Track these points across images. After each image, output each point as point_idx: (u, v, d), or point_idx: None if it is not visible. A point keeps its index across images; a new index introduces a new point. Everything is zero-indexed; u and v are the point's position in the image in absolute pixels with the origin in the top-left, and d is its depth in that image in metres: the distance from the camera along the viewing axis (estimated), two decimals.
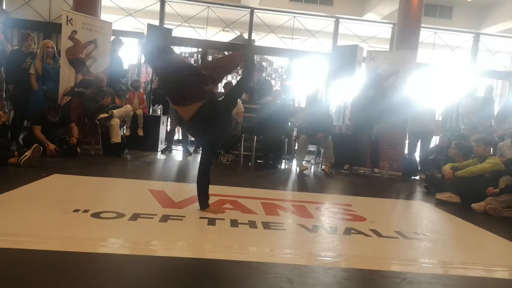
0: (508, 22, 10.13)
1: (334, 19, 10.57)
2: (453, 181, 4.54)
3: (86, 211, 2.86)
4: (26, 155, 4.44)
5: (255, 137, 6.38)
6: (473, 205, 4.19)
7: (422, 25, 8.41)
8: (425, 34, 10.20)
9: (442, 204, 4.38)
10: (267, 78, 8.85)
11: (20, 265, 1.95)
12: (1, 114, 5.04)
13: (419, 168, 6.55)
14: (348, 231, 3.00)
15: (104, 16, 8.75)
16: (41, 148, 4.70)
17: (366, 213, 3.61)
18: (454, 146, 5.13)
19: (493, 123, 6.78)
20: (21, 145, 5.34)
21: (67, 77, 6.17)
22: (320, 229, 3.00)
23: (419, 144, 6.74)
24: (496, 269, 2.51)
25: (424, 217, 4.00)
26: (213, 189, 4.04)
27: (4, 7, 9.53)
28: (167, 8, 10.13)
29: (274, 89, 7.54)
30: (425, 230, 3.26)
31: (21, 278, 1.82)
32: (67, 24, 6.14)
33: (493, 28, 10.60)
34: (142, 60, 9.10)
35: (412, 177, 6.51)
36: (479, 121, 6.42)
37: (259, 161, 6.49)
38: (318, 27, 10.68)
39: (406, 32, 7.99)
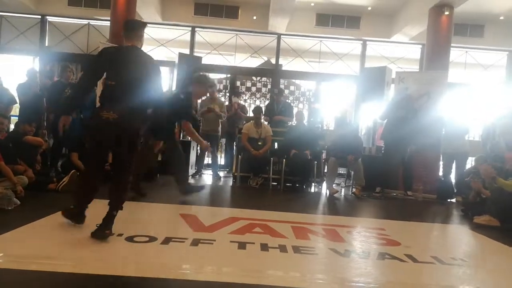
0: None
1: (362, 42, 10.60)
2: (491, 199, 4.35)
3: (120, 235, 2.94)
4: (64, 181, 4.63)
5: (284, 160, 6.38)
6: None
7: (452, 44, 8.29)
8: (456, 54, 10.02)
9: (480, 228, 4.18)
10: (287, 101, 8.91)
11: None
12: (42, 142, 5.31)
13: (455, 191, 6.32)
14: (381, 256, 2.91)
15: None
16: (78, 174, 4.89)
17: (401, 238, 3.50)
18: (488, 167, 4.97)
19: None
20: (59, 172, 5.58)
21: None
22: (352, 254, 2.93)
23: (454, 165, 6.53)
24: None
25: (462, 241, 3.84)
26: (243, 213, 4.08)
27: (46, 43, 10.20)
28: (197, 37, 10.49)
29: (296, 111, 7.56)
30: (463, 256, 3.12)
31: None
32: None
33: None
34: (174, 88, 9.39)
35: (448, 200, 6.28)
36: None
37: (288, 184, 6.47)
38: (345, 50, 10.73)
39: (435, 52, 7.90)
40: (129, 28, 3.10)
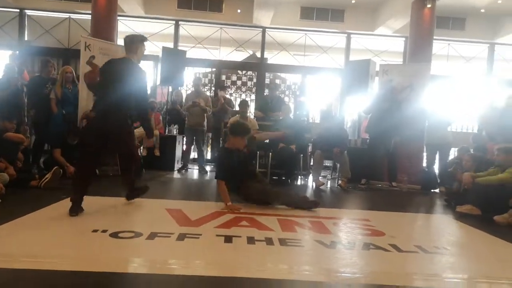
0: None
1: (346, 35, 10.64)
2: (472, 189, 4.45)
3: (104, 231, 2.90)
4: (47, 178, 4.56)
5: (270, 153, 6.39)
6: (495, 217, 4.07)
7: (435, 37, 8.37)
8: (439, 46, 10.14)
9: (463, 217, 4.28)
10: (280, 95, 8.94)
11: (41, 286, 1.99)
12: (24, 139, 5.20)
13: (438, 181, 6.43)
14: (366, 246, 2.95)
15: (120, 41, 9.01)
16: (61, 170, 4.81)
17: (385, 228, 3.55)
18: (469, 158, 5.09)
19: None
20: (41, 168, 5.48)
21: (85, 101, 6.34)
22: (338, 245, 2.96)
23: (437, 156, 6.64)
24: None
25: (445, 230, 3.91)
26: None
27: (26, 37, 9.95)
28: (181, 31, 10.38)
29: (284, 104, 7.59)
30: (446, 244, 3.18)
31: None
32: (85, 50, 6.34)
33: (509, 37, 10.47)
34: (158, 82, 9.29)
35: (432, 190, 6.38)
36: (499, 131, 6.28)
37: (274, 177, 6.49)
38: (330, 43, 10.75)
39: (418, 45, 7.97)
40: (125, 42, 3.73)
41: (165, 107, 8.06)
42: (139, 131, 6.28)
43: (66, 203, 3.85)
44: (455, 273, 2.53)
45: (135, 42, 3.68)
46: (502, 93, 8.24)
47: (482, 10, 10.09)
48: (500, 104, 6.89)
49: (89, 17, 8.15)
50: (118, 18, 8.01)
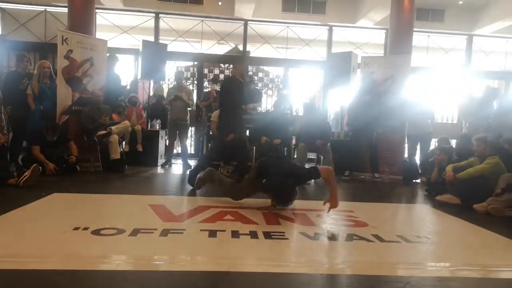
0: (500, 22, 10.24)
1: (328, 27, 10.67)
2: (453, 183, 4.53)
3: (86, 228, 2.85)
4: (25, 176, 4.44)
5: (254, 147, 6.38)
6: (475, 206, 4.17)
7: (415, 29, 8.48)
8: (419, 38, 10.28)
9: (443, 206, 4.36)
10: (256, 88, 8.95)
11: (24, 286, 1.94)
12: (0, 136, 5.05)
13: (419, 171, 6.54)
14: (350, 237, 2.98)
15: (99, 34, 8.83)
16: (40, 168, 4.70)
17: (368, 219, 3.59)
18: (439, 151, 5.19)
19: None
20: (20, 166, 5.35)
21: (64, 96, 6.20)
22: (321, 237, 2.98)
23: (418, 147, 6.75)
24: (501, 269, 2.50)
25: (426, 220, 3.98)
26: (213, 200, 4.06)
27: (0, 31, 9.65)
28: (162, 24, 10.22)
29: (275, 100, 7.60)
30: (427, 233, 3.24)
31: None
32: (62, 44, 6.19)
33: (486, 29, 10.70)
34: (139, 76, 9.15)
35: (413, 181, 6.49)
36: (477, 122, 6.42)
37: None
38: (312, 35, 10.77)
39: (399, 36, 8.05)
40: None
41: (148, 101, 7.95)
42: (118, 126, 6.20)
43: (46, 201, 3.78)
44: (436, 262, 2.58)
45: (235, 62, 5.04)
46: (480, 84, 8.42)
47: (460, 2, 10.27)
48: (478, 95, 7.04)
49: (66, 10, 7.95)
50: (96, 10, 7.85)
